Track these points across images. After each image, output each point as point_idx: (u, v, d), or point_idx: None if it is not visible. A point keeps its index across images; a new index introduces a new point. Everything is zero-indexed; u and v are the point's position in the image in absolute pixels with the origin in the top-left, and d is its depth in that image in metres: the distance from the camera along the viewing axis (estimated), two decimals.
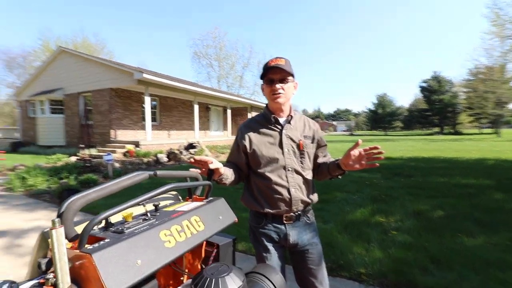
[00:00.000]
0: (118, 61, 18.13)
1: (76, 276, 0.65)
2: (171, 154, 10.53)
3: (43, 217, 4.26)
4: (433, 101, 48.35)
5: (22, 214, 4.45)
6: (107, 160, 6.73)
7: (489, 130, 43.02)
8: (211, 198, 1.12)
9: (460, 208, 4.10)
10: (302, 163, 1.37)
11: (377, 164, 1.24)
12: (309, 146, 1.40)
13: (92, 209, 3.74)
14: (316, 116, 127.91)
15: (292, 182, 1.33)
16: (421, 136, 38.89)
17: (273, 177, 1.32)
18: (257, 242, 1.37)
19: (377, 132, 66.45)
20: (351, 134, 61.31)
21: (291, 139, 1.37)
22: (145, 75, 10.76)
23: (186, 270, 1.15)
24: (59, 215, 0.70)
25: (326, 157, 1.51)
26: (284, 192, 1.31)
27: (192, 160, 1.21)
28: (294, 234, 1.34)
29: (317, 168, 1.47)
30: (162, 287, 1.17)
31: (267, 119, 1.40)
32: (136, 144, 11.16)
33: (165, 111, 15.61)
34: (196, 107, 14.73)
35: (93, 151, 10.75)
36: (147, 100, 11.68)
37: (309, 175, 1.40)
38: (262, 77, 1.35)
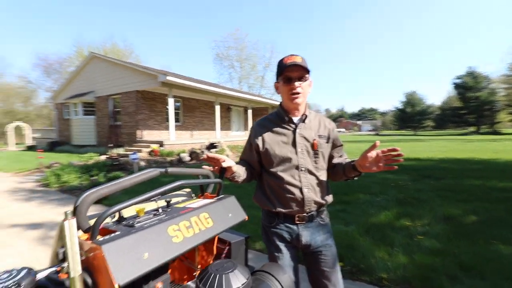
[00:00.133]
0: (145, 65, 18.93)
1: (88, 265, 0.68)
2: (193, 154, 10.80)
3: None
4: (469, 99, 45.21)
5: (56, 208, 4.79)
6: (133, 158, 7.04)
7: None
8: (222, 195, 1.13)
9: (496, 213, 3.79)
10: (316, 163, 1.34)
11: (396, 166, 1.17)
12: (323, 146, 1.36)
13: (113, 202, 3.91)
14: (340, 116, 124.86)
15: (305, 182, 1.30)
16: (455, 136, 36.46)
17: (286, 176, 1.30)
18: (269, 242, 1.35)
19: (405, 132, 63.23)
20: (377, 134, 58.79)
21: (305, 138, 1.34)
22: (168, 78, 11.11)
23: (199, 266, 1.17)
24: (75, 208, 0.74)
25: (342, 158, 1.45)
26: (296, 192, 1.28)
27: (205, 156, 1.22)
28: (307, 235, 1.31)
29: (332, 168, 1.42)
30: (176, 281, 1.19)
31: (281, 118, 1.37)
32: (161, 143, 11.57)
33: (188, 112, 16.03)
34: (217, 108, 14.97)
35: (121, 150, 11.30)
36: (171, 102, 12.07)
37: (323, 175, 1.36)
38: (278, 75, 1.32)
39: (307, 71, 1.27)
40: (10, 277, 0.58)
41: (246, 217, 1.09)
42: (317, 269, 1.34)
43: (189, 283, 1.11)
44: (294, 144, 1.32)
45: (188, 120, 16.04)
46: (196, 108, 16.61)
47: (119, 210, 0.74)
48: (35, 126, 33.20)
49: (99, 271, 0.66)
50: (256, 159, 1.39)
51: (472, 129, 48.38)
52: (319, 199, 1.32)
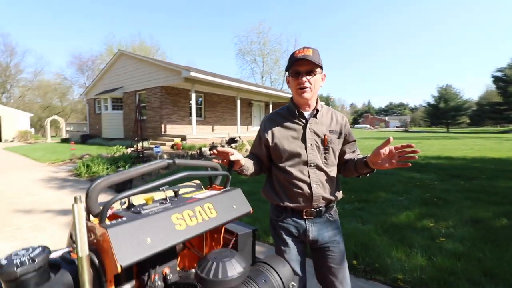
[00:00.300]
0: (170, 61, 19.48)
1: (97, 247, 0.74)
2: (213, 148, 11.02)
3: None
4: (510, 94, 41.53)
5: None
6: (156, 151, 7.35)
7: None
8: (228, 188, 1.16)
9: None
10: (325, 159, 1.32)
11: (410, 164, 1.12)
12: (334, 142, 1.34)
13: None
14: (365, 111, 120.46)
15: (314, 178, 1.29)
16: (493, 134, 33.81)
17: (294, 171, 1.29)
18: (277, 236, 1.37)
19: (437, 129, 59.39)
20: (406, 131, 55.60)
21: (316, 133, 1.32)
22: (192, 73, 11.37)
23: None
24: (86, 194, 0.80)
25: (355, 153, 1.42)
26: (304, 187, 1.28)
27: (215, 151, 1.25)
28: (314, 230, 1.31)
29: (344, 164, 1.40)
30: (186, 268, 1.25)
31: (291, 112, 1.36)
32: (183, 138, 11.93)
33: (209, 107, 16.33)
34: (238, 103, 15.09)
35: (146, 144, 11.80)
36: (193, 97, 12.36)
37: (333, 171, 1.34)
38: (287, 68, 1.30)
39: (317, 65, 1.24)
40: (27, 253, 0.65)
41: (251, 210, 1.10)
42: (324, 265, 1.33)
43: (193, 270, 1.16)
44: (304, 139, 1.31)
45: (209, 115, 16.35)
46: (218, 103, 16.87)
47: (124, 198, 0.79)
48: (69, 120, 35.64)
49: (105, 253, 0.72)
50: (265, 154, 1.39)
51: None
52: (327, 195, 1.30)
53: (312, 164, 1.29)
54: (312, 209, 1.30)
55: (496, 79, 44.66)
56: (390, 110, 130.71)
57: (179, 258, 1.21)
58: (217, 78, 13.17)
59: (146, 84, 13.97)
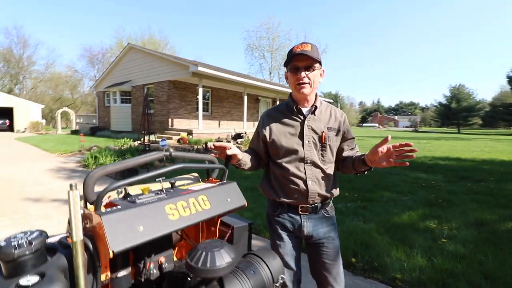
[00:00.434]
0: (179, 56, 19.57)
1: (92, 233, 0.77)
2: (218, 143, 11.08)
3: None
4: None
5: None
6: (162, 145, 7.41)
7: None
8: (224, 181, 1.18)
9: None
10: (322, 156, 1.32)
11: (407, 163, 1.12)
12: (332, 139, 1.33)
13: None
14: (374, 110, 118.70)
15: (310, 175, 1.29)
16: (505, 136, 32.96)
17: (291, 168, 1.30)
18: (272, 230, 1.38)
19: (448, 130, 57.96)
20: (416, 131, 54.47)
21: (314, 130, 1.32)
22: (199, 68, 11.40)
23: None
24: (84, 183, 0.83)
25: (353, 151, 1.41)
26: (300, 183, 1.29)
27: (212, 146, 1.27)
28: (309, 226, 1.32)
29: (342, 161, 1.40)
30: (183, 258, 1.28)
31: (289, 108, 1.36)
32: (190, 132, 12.03)
33: (216, 102, 16.38)
34: (245, 99, 15.09)
35: (153, 137, 11.94)
36: (200, 91, 12.41)
37: (329, 168, 1.34)
38: (286, 64, 1.29)
39: (316, 61, 1.23)
40: (25, 236, 0.68)
41: (246, 203, 1.12)
42: (318, 261, 1.34)
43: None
44: (301, 136, 1.31)
45: (216, 110, 16.41)
46: (225, 99, 16.91)
47: (118, 187, 0.82)
48: (80, 112, 36.26)
49: (99, 238, 0.75)
50: (263, 149, 1.41)
51: None
52: (323, 192, 1.31)
53: (308, 161, 1.30)
54: (308, 205, 1.31)
55: (511, 80, 43.31)
56: (400, 109, 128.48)
57: (176, 248, 1.24)
58: (225, 73, 13.18)
59: (154, 78, 14.09)
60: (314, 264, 1.37)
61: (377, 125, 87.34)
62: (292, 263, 1.32)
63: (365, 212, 3.83)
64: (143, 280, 0.96)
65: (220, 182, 1.16)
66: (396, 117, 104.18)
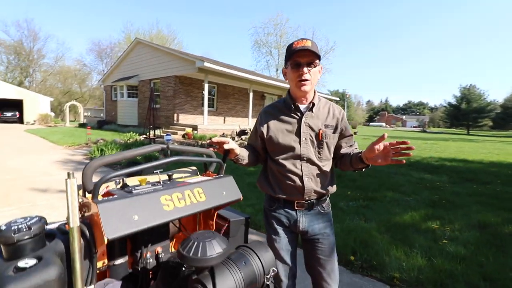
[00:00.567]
0: (186, 51, 19.61)
1: (89, 221, 0.80)
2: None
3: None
4: None
5: (97, 179, 5.34)
6: (166, 139, 7.46)
7: None
8: (221, 175, 1.19)
9: None
10: (319, 153, 1.33)
11: (404, 161, 1.12)
12: (329, 136, 1.33)
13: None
14: (382, 109, 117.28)
15: (306, 172, 1.30)
16: None
17: (288, 164, 1.31)
18: (268, 225, 1.40)
19: (457, 131, 56.82)
20: (423, 131, 53.53)
21: (311, 127, 1.32)
22: (205, 64, 11.42)
23: None
24: (83, 172, 0.86)
25: (351, 148, 1.41)
26: (297, 180, 1.30)
27: (210, 141, 1.29)
28: (305, 221, 1.33)
29: (340, 158, 1.40)
30: None
31: (287, 105, 1.36)
32: (195, 127, 12.10)
33: (222, 98, 16.41)
34: (251, 95, 15.07)
35: (158, 132, 12.06)
36: (206, 87, 12.44)
37: (326, 166, 1.34)
38: (286, 60, 1.30)
39: (317, 57, 1.23)
40: (24, 222, 0.71)
41: (241, 197, 1.14)
42: (313, 256, 1.36)
43: None
44: (298, 133, 1.32)
45: (221, 106, 16.45)
46: (230, 95, 16.92)
47: (114, 177, 0.85)
48: (88, 106, 36.74)
49: (95, 226, 0.77)
50: (261, 146, 1.42)
51: None
52: (319, 189, 1.32)
53: (305, 158, 1.30)
54: (304, 201, 1.32)
55: None
56: (409, 109, 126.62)
57: (174, 240, 1.27)
58: (231, 69, 13.17)
59: (160, 73, 14.17)
60: (309, 260, 1.38)
61: (384, 124, 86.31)
62: (287, 258, 1.34)
63: (366, 211, 3.82)
64: (139, 268, 0.99)
65: (217, 176, 1.18)
66: (404, 116, 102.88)
